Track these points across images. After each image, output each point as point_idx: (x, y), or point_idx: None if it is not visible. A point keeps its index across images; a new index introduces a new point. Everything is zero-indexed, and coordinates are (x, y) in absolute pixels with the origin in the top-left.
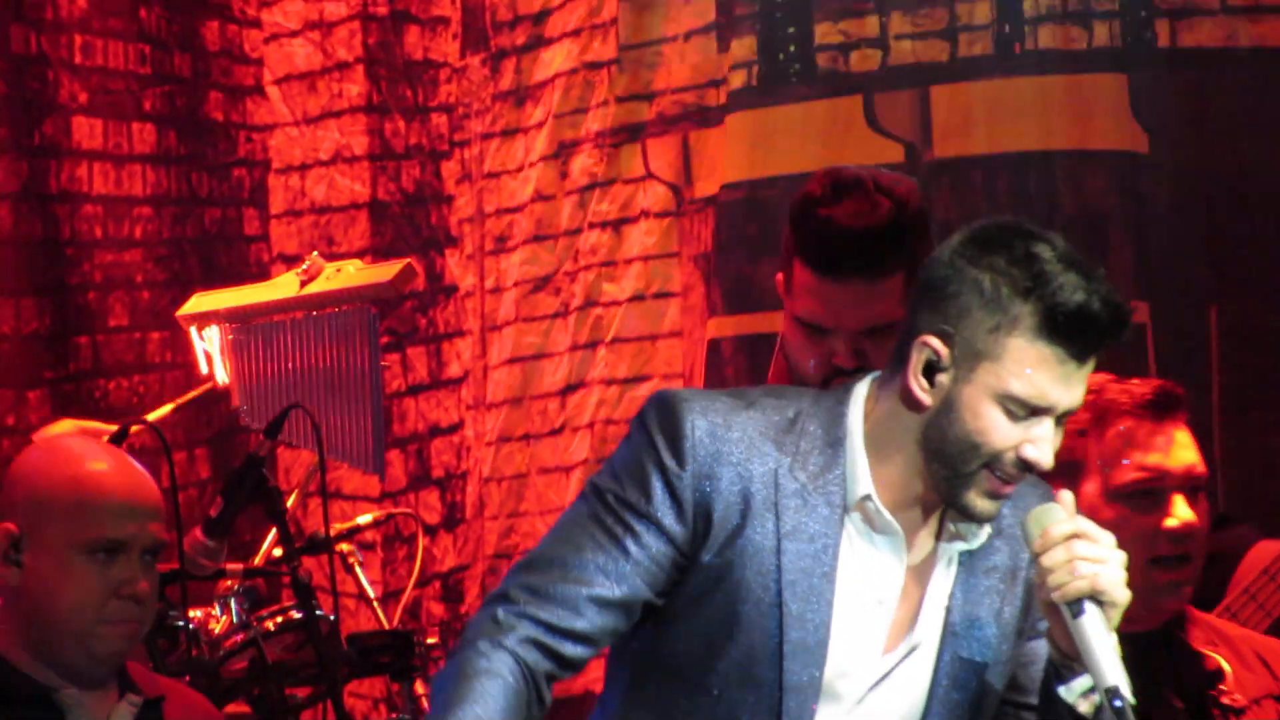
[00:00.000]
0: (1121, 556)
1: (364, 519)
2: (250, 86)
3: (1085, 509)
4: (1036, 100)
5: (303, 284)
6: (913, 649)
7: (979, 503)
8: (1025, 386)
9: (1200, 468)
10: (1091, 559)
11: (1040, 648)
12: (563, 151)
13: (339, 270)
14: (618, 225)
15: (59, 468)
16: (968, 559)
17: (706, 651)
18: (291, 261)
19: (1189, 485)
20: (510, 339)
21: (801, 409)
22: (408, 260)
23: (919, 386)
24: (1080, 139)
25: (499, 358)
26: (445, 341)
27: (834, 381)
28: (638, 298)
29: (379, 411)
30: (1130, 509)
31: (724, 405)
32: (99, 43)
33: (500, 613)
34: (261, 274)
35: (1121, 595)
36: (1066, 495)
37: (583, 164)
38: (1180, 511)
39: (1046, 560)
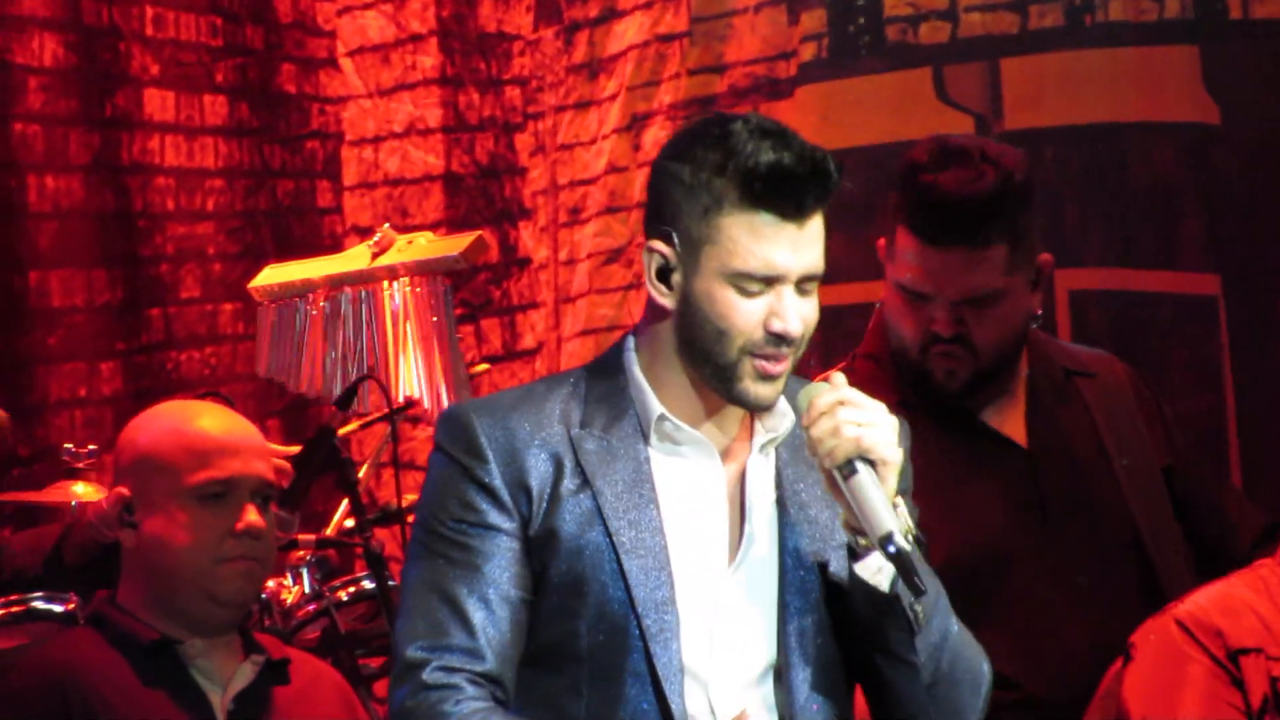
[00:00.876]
0: (891, 420)
1: None
2: (323, 59)
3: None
4: (1107, 72)
5: (374, 256)
6: (751, 547)
7: (753, 388)
8: (747, 259)
9: None
10: (857, 422)
11: None
12: (635, 124)
13: (411, 243)
14: None
15: (160, 424)
16: (789, 454)
17: (566, 621)
18: (365, 234)
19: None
20: (583, 311)
21: (580, 376)
22: (479, 233)
23: (657, 291)
24: (1151, 111)
25: (572, 329)
26: (519, 313)
27: (932, 349)
28: None
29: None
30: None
31: (503, 398)
32: (170, 15)
33: (424, 678)
34: (335, 246)
35: (891, 453)
36: (838, 375)
37: (655, 136)
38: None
39: (815, 430)
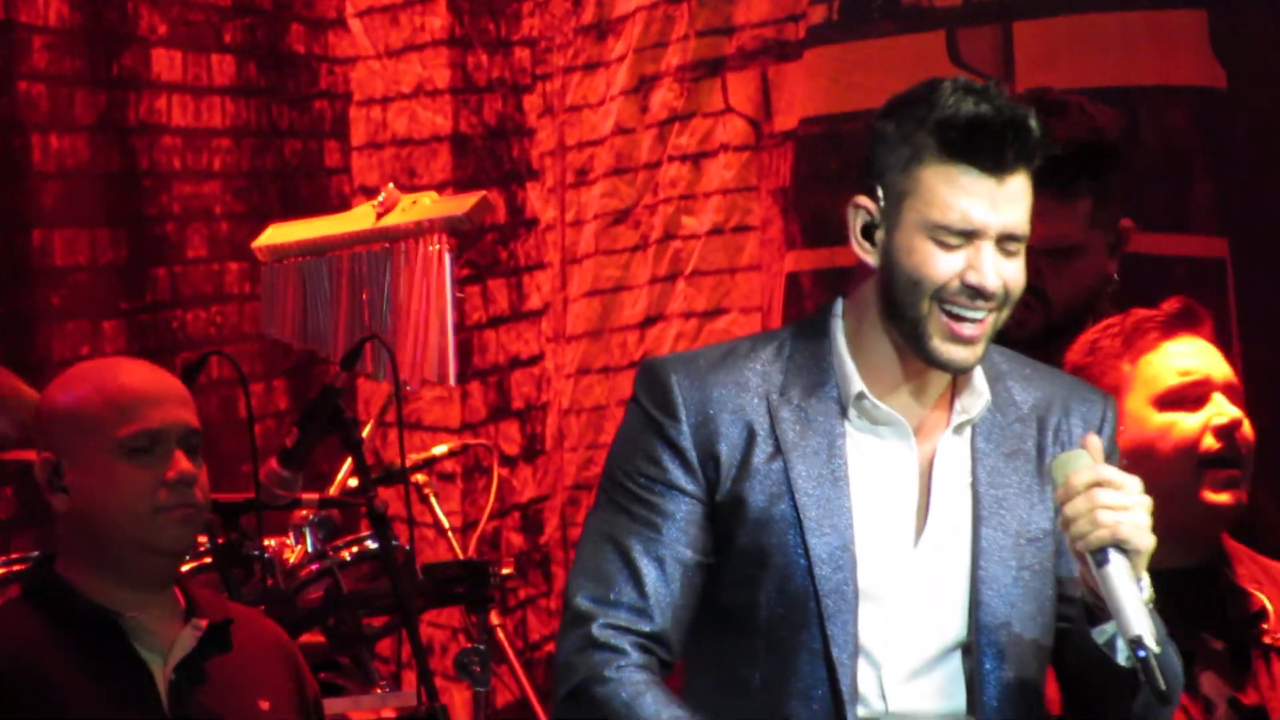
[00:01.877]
0: (1146, 502)
1: (440, 450)
2: (332, 19)
3: (1131, 425)
4: (1118, 36)
5: (379, 216)
6: (941, 533)
7: (945, 349)
8: (945, 211)
9: (1236, 380)
10: (1114, 506)
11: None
12: (643, 85)
13: (415, 202)
14: (697, 159)
15: (80, 384)
16: (986, 444)
17: (747, 589)
18: (372, 194)
19: (1230, 396)
20: (590, 272)
21: (785, 338)
22: (484, 193)
23: (861, 249)
24: (1161, 74)
25: (579, 290)
26: (526, 274)
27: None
28: (716, 231)
29: (447, 338)
30: (1178, 412)
31: (706, 355)
32: None
33: (593, 632)
34: (343, 206)
35: (1145, 541)
36: (1094, 441)
37: (663, 98)
38: (1226, 408)
39: (1069, 510)
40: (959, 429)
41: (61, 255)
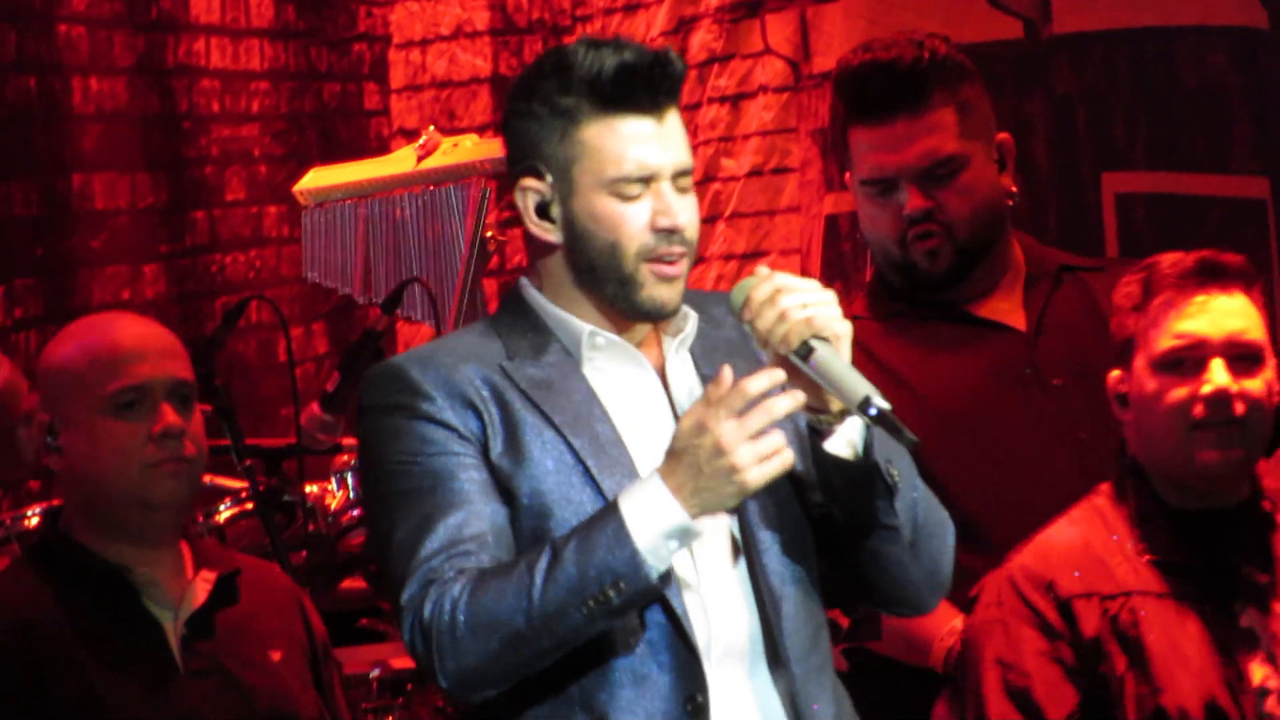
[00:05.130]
0: (830, 294)
1: None
2: None
3: (1133, 384)
4: None
5: (419, 159)
6: None
7: (655, 293)
8: (620, 163)
9: (1249, 335)
10: (801, 304)
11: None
12: (682, 27)
13: (456, 145)
14: (736, 100)
15: (67, 344)
16: (702, 353)
17: (538, 543)
18: (411, 136)
19: (1233, 353)
20: None
21: (487, 321)
22: None
23: (540, 229)
24: (1201, 14)
25: None
26: None
27: (909, 237)
28: (755, 173)
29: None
30: (1170, 378)
31: (420, 348)
32: None
33: (428, 584)
34: (382, 148)
35: (841, 326)
36: (762, 267)
37: (701, 39)
38: (1216, 377)
39: (761, 323)
40: (679, 349)
41: (101, 199)
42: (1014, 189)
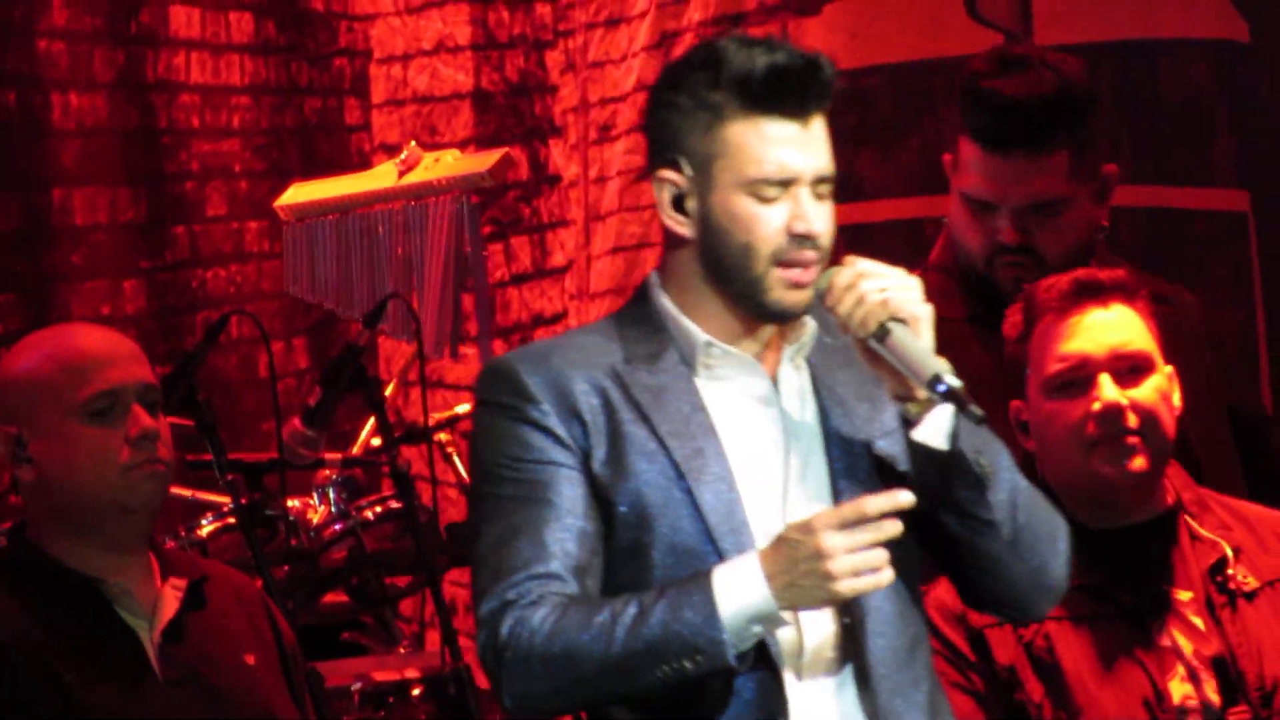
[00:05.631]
0: (910, 280)
1: (463, 409)
2: None
3: (1030, 414)
4: None
5: (401, 174)
6: (802, 454)
7: (785, 297)
8: (761, 164)
9: (1132, 345)
10: (880, 288)
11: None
12: (665, 41)
13: (437, 160)
14: None
15: (31, 352)
16: (818, 359)
17: (635, 556)
18: (393, 151)
19: (1118, 366)
20: (613, 228)
21: (612, 320)
22: (506, 150)
23: (675, 221)
24: (1182, 28)
25: (602, 247)
26: (549, 231)
27: (998, 260)
28: None
29: (485, 299)
30: (1061, 400)
31: (537, 346)
32: None
33: (506, 612)
34: (363, 164)
35: (919, 308)
36: (849, 256)
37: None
38: (1104, 392)
39: (842, 308)
40: (794, 358)
41: (81, 214)
42: (1106, 222)
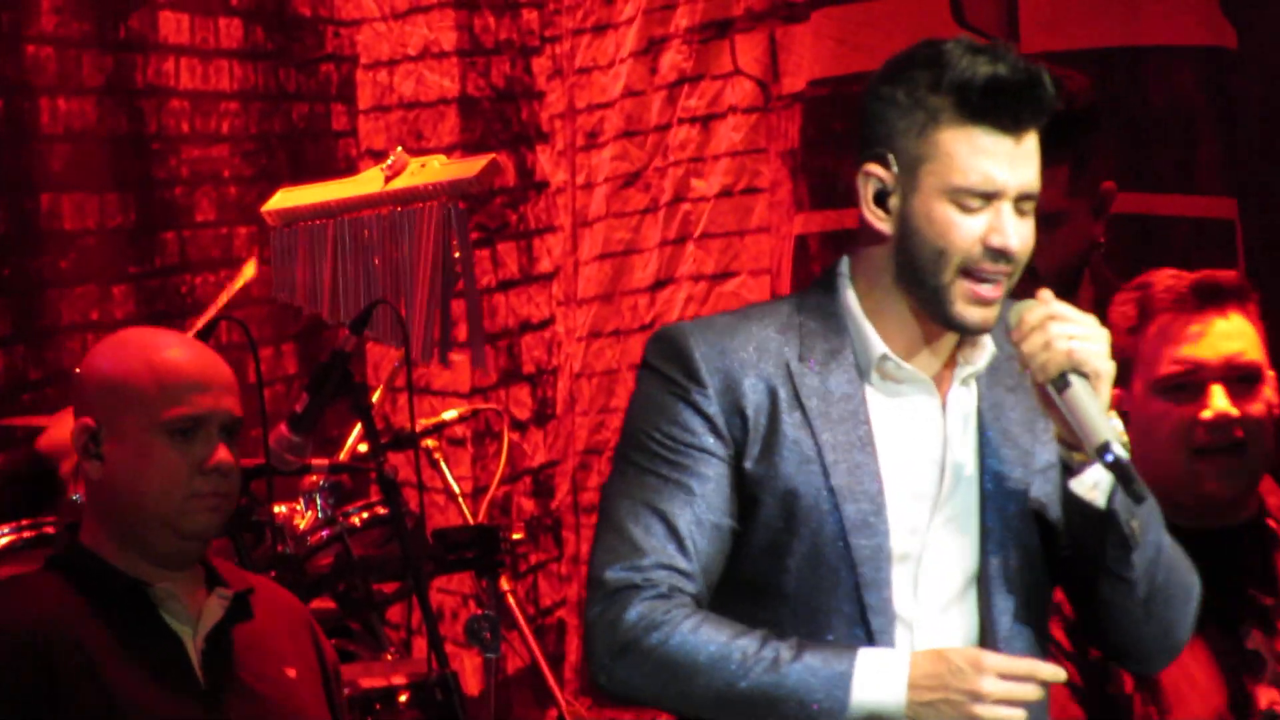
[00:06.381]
0: (1100, 331)
1: (450, 414)
2: None
3: (1133, 405)
4: None
5: (387, 179)
6: (956, 481)
7: (968, 312)
8: (966, 174)
9: (1247, 356)
10: (1067, 335)
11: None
12: (652, 47)
13: (424, 165)
14: (706, 121)
15: (130, 356)
16: (987, 381)
17: (774, 557)
18: (380, 157)
19: (1232, 375)
20: (601, 234)
21: (794, 305)
22: (493, 155)
23: (875, 216)
24: (1169, 35)
25: (589, 253)
26: (536, 237)
27: None
28: (725, 193)
29: (476, 305)
30: (1170, 403)
31: (720, 322)
32: None
33: (634, 597)
34: (350, 169)
35: (1103, 365)
36: (1046, 291)
37: (671, 60)
38: (1216, 403)
39: (1026, 347)
40: (965, 380)
41: (70, 219)
42: (1103, 239)
